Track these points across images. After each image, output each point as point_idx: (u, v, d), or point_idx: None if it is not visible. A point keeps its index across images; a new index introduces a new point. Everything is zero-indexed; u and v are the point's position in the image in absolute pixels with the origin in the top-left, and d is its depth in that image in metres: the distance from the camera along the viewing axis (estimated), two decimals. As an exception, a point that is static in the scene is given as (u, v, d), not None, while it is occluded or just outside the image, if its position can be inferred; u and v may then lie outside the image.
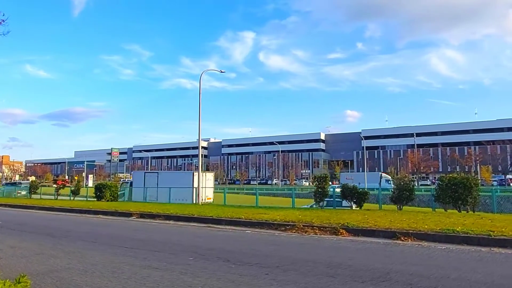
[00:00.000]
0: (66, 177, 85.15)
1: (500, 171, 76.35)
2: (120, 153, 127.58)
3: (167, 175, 31.43)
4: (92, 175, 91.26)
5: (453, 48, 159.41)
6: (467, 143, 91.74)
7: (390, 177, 55.33)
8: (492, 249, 7.45)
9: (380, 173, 62.42)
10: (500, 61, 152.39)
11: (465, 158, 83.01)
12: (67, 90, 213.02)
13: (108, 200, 24.08)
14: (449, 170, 79.49)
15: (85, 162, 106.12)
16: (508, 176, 66.50)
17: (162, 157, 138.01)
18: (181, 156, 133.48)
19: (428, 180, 75.85)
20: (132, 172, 36.70)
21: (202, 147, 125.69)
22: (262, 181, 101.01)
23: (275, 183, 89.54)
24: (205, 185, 24.30)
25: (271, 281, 4.95)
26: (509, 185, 58.78)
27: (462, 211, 13.90)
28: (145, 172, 29.93)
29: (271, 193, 46.87)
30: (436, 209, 15.88)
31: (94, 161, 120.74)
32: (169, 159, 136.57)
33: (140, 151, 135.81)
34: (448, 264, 6.16)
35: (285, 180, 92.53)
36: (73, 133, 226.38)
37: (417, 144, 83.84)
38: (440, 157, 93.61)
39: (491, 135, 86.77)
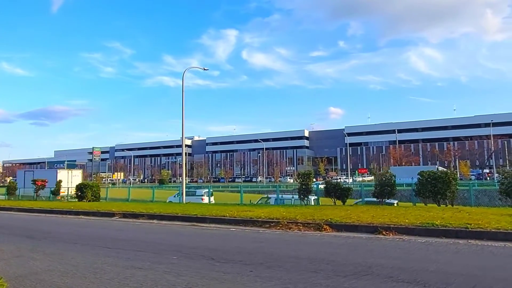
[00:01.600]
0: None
1: (477, 165, 78.74)
2: (102, 152, 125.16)
3: (38, 172, 38.48)
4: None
5: (432, 46, 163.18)
6: (446, 139, 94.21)
7: (446, 170, 49.53)
8: (469, 241, 7.70)
9: (436, 166, 53.55)
10: (476, 59, 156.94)
11: (445, 153, 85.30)
12: (46, 88, 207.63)
13: (89, 200, 23.65)
14: (429, 165, 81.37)
15: (66, 162, 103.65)
16: (485, 171, 68.71)
17: (145, 156, 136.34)
18: (164, 155, 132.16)
19: (410, 176, 77.31)
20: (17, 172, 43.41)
21: (186, 146, 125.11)
22: (247, 179, 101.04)
23: (260, 180, 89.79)
24: (72, 181, 25.32)
25: (255, 278, 4.98)
26: (486, 179, 60.72)
27: (441, 205, 14.28)
28: (24, 171, 38.37)
29: (256, 191, 47.01)
30: (416, 204, 16.28)
31: (75, 161, 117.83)
32: (153, 158, 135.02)
33: (122, 150, 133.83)
34: (427, 257, 6.33)
35: (270, 178, 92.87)
36: (53, 132, 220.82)
37: (398, 140, 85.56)
38: (420, 152, 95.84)
39: (469, 131, 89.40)
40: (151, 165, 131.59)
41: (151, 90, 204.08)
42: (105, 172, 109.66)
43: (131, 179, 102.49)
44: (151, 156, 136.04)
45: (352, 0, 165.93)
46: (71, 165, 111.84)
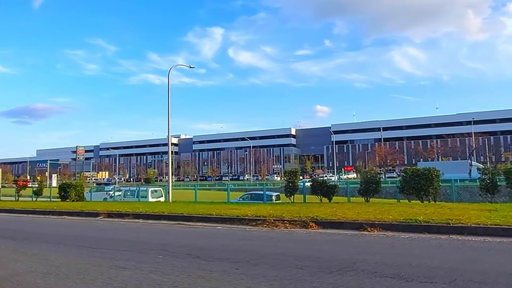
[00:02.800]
0: (28, 177, 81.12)
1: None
2: (86, 151, 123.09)
3: None
4: (56, 175, 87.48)
5: (415, 45, 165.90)
6: (430, 137, 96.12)
7: (482, 165, 44.59)
8: (450, 236, 7.89)
9: (469, 161, 52.61)
10: (457, 58, 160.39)
11: (428, 150, 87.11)
12: (28, 85, 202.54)
13: (73, 200, 23.22)
14: (413, 162, 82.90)
15: (48, 161, 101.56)
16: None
17: (131, 155, 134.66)
18: (151, 153, 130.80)
19: (394, 173, 78.80)
20: None
21: (173, 144, 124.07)
22: (234, 177, 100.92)
23: (247, 178, 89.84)
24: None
25: (241, 275, 4.99)
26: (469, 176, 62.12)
27: (424, 201, 14.58)
28: None
29: (243, 189, 47.01)
30: (400, 200, 16.57)
31: (58, 160, 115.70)
32: (138, 157, 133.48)
33: (107, 148, 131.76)
34: (410, 252, 6.47)
35: (257, 176, 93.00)
36: (35, 130, 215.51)
37: (383, 138, 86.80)
38: (405, 150, 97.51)
39: (451, 129, 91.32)
40: (136, 164, 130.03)
41: (136, 88, 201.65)
42: (89, 171, 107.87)
43: (116, 178, 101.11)
44: (137, 155, 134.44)
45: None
46: (54, 165, 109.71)
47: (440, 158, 77.27)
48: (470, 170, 41.78)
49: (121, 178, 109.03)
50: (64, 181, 29.72)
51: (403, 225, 8.98)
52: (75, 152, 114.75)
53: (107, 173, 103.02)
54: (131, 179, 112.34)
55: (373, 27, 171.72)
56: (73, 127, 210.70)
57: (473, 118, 77.06)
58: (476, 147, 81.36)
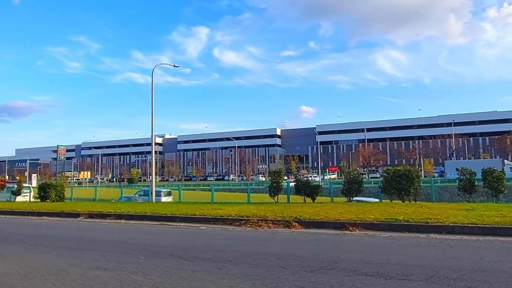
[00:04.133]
0: (6, 177, 78.79)
1: (440, 163, 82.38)
2: (68, 150, 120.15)
3: None
4: (36, 175, 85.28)
5: (398, 48, 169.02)
6: (412, 138, 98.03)
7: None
8: (429, 235, 8.08)
9: (501, 159, 51.76)
10: (438, 61, 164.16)
11: (410, 151, 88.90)
12: (7, 82, 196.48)
13: (53, 201, 22.68)
14: (396, 163, 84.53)
15: (28, 161, 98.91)
16: (447, 168, 72.13)
17: (113, 154, 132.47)
18: (134, 153, 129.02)
19: (378, 173, 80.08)
20: None
21: (157, 144, 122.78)
22: (219, 177, 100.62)
23: (232, 178, 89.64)
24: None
25: (223, 275, 5.00)
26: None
27: (405, 201, 14.87)
28: None
29: (228, 189, 46.94)
30: (383, 200, 16.87)
31: (38, 160, 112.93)
32: (122, 156, 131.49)
33: (89, 148, 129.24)
34: (389, 250, 6.61)
35: (242, 176, 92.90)
36: (15, 129, 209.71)
37: (367, 139, 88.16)
38: (388, 151, 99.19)
39: (432, 130, 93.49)
40: (120, 164, 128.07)
41: (119, 86, 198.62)
42: (70, 171, 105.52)
43: (98, 178, 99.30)
44: (120, 154, 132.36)
45: (324, 1, 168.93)
46: (34, 164, 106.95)
47: (422, 159, 78.87)
48: (503, 169, 42.39)
49: (103, 178, 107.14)
50: (44, 181, 28.98)
51: (384, 224, 9.16)
52: (55, 151, 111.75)
53: (89, 173, 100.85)
54: (114, 179, 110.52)
55: (358, 29, 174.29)
56: (54, 126, 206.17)
57: (453, 120, 79.05)
58: (456, 148, 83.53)
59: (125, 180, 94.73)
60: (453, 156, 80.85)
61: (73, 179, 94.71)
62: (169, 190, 28.23)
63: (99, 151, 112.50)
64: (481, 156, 78.72)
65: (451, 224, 8.53)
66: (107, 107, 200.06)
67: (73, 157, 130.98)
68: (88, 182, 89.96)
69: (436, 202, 16.67)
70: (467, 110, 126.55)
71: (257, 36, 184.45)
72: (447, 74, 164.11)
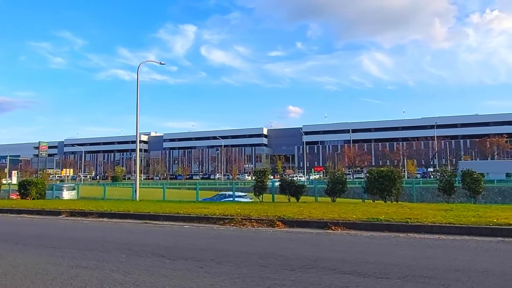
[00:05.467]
0: (-15, 173, 76.59)
1: (423, 164, 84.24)
2: (50, 147, 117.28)
3: None
4: (16, 171, 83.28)
5: (384, 51, 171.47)
6: (396, 139, 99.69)
7: None
8: (408, 234, 8.28)
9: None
10: (421, 65, 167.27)
11: (394, 153, 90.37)
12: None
13: (34, 198, 22.24)
14: (380, 164, 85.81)
15: (8, 157, 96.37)
16: (429, 169, 73.73)
17: (97, 152, 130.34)
18: (119, 151, 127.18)
19: (362, 174, 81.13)
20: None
21: (142, 141, 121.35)
22: (205, 176, 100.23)
23: (218, 177, 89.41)
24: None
25: (205, 273, 5.03)
26: (430, 177, 65.18)
27: (387, 201, 15.17)
28: None
29: (214, 188, 46.81)
30: (365, 200, 17.14)
31: (19, 156, 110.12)
32: (106, 154, 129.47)
33: (72, 145, 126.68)
34: (369, 249, 6.75)
35: (228, 175, 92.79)
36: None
37: (352, 140, 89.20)
38: (373, 152, 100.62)
39: (416, 132, 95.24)
40: (103, 161, 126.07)
41: (105, 83, 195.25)
42: (52, 169, 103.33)
43: (81, 175, 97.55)
44: (104, 152, 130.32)
45: (312, 2, 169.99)
46: (15, 161, 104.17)
47: (405, 160, 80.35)
48: None
49: (86, 176, 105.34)
50: (25, 178, 28.33)
51: (366, 224, 9.33)
52: (37, 148, 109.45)
53: (71, 170, 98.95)
54: (98, 176, 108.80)
55: (345, 31, 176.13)
56: (37, 123, 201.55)
57: (436, 123, 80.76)
58: (439, 150, 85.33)
59: (109, 178, 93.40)
60: (435, 158, 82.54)
61: (55, 176, 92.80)
62: (73, 185, 27.83)
63: (83, 148, 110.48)
64: (462, 158, 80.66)
65: (430, 224, 8.76)
66: (92, 104, 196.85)
67: (55, 154, 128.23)
68: (71, 179, 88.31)
69: (418, 202, 17.04)
70: (450, 113, 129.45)
71: (245, 36, 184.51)
72: (431, 77, 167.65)
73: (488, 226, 8.25)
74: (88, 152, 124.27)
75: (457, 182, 15.99)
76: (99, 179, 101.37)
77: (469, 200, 15.85)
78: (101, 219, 12.68)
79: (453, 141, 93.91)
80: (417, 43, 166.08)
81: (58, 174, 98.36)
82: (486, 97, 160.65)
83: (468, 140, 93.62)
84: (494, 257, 5.99)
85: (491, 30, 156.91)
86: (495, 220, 8.65)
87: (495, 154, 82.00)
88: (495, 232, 7.99)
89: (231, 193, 22.85)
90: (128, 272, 5.14)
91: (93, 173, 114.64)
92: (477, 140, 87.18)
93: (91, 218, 13.10)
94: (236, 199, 21.63)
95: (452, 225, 8.60)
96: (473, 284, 4.35)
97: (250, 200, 19.91)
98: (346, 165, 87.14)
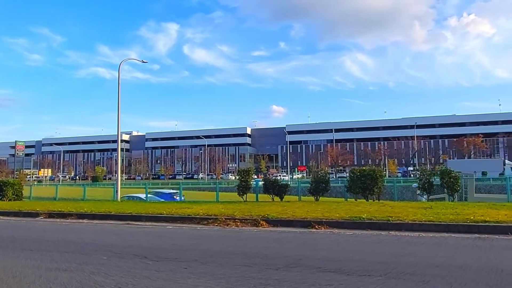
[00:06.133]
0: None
1: (403, 163, 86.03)
2: (27, 146, 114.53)
3: None
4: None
5: (365, 52, 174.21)
6: (378, 139, 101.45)
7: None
8: (390, 232, 8.45)
9: (502, 159, 51.85)
10: (401, 66, 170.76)
11: (376, 152, 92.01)
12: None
13: (10, 200, 21.52)
14: (362, 163, 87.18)
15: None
16: (410, 168, 75.44)
17: (77, 151, 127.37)
18: (99, 150, 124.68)
19: (345, 173, 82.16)
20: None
21: (124, 141, 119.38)
22: (188, 176, 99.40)
23: (202, 177, 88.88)
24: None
25: (189, 274, 4.98)
26: (411, 176, 66.65)
27: (369, 200, 15.41)
28: None
29: (197, 188, 46.41)
30: (348, 199, 17.36)
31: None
32: (86, 153, 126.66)
33: (51, 144, 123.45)
34: (352, 248, 6.85)
35: (212, 174, 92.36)
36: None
37: (335, 139, 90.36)
38: (355, 151, 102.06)
39: (396, 132, 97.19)
40: (83, 161, 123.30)
41: (84, 81, 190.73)
42: (29, 169, 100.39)
43: (60, 176, 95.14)
44: (84, 151, 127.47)
45: (296, 2, 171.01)
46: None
47: (386, 159, 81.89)
48: (504, 169, 42.29)
49: (65, 176, 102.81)
50: (1, 179, 27.38)
51: (349, 222, 9.45)
52: (13, 147, 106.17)
53: (49, 170, 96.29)
54: (77, 177, 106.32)
55: (328, 32, 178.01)
56: (13, 121, 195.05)
57: (415, 123, 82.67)
58: (418, 149, 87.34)
59: (89, 178, 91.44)
60: (415, 157, 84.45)
61: (32, 177, 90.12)
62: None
63: (61, 148, 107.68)
64: (440, 157, 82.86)
65: (410, 222, 8.95)
66: (71, 102, 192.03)
67: (33, 154, 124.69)
68: (49, 180, 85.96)
69: (398, 201, 17.38)
70: (428, 113, 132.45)
71: (229, 35, 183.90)
72: (410, 79, 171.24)
73: (465, 223, 8.51)
74: (67, 151, 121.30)
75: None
76: (79, 179, 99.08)
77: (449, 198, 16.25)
78: (81, 221, 12.40)
79: (432, 140, 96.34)
80: (397, 45, 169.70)
81: (36, 174, 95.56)
82: (463, 99, 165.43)
83: (446, 140, 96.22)
84: (471, 253, 6.17)
85: (467, 34, 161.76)
86: (472, 217, 8.93)
87: (471, 153, 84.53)
88: (472, 229, 8.25)
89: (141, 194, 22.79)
90: (109, 274, 5.04)
91: (73, 173, 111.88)
92: (454, 139, 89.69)
93: (71, 219, 12.79)
94: (156, 197, 21.40)
95: (432, 222, 8.82)
96: (451, 280, 4.46)
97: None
98: (329, 164, 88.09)
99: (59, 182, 78.68)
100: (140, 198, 21.77)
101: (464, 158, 76.30)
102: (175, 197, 22.16)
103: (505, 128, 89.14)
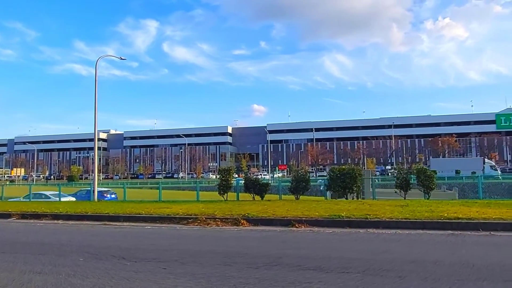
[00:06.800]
0: None
1: (381, 162, 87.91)
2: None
3: None
4: (-40, 171, 76.82)
5: (345, 52, 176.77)
6: (357, 138, 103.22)
7: (494, 163, 46.28)
8: (368, 230, 8.62)
9: (482, 158, 52.71)
10: (379, 67, 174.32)
11: (355, 151, 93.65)
12: None
13: (-19, 200, 20.69)
14: (342, 162, 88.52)
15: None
16: (387, 167, 77.20)
17: (52, 150, 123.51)
18: (75, 149, 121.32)
19: (325, 172, 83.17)
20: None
21: (101, 139, 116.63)
22: (168, 175, 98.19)
23: (182, 176, 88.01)
24: None
25: (168, 275, 4.93)
26: (388, 174, 68.21)
27: (349, 198, 15.68)
28: None
29: (177, 187, 45.98)
30: (328, 198, 17.61)
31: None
32: (61, 152, 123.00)
33: (24, 143, 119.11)
34: (331, 245, 6.95)
35: (192, 174, 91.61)
36: None
37: (315, 139, 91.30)
38: (335, 150, 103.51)
39: (375, 131, 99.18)
40: (58, 160, 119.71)
41: (60, 78, 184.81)
42: (1, 168, 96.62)
43: (34, 175, 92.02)
44: (59, 150, 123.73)
45: (277, 2, 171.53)
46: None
47: (365, 158, 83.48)
48: (484, 168, 43.29)
49: (39, 176, 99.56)
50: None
51: (328, 220, 9.59)
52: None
53: (22, 170, 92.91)
54: (52, 176, 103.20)
55: (309, 32, 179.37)
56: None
57: (393, 123, 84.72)
58: (396, 148, 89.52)
59: (65, 178, 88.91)
60: (393, 156, 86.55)
61: (4, 176, 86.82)
62: None
63: (35, 146, 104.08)
64: (417, 157, 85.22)
65: (387, 220, 9.17)
66: (46, 99, 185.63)
67: (5, 153, 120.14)
68: (22, 179, 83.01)
69: (376, 199, 17.74)
70: (405, 113, 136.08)
71: (209, 34, 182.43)
72: (388, 79, 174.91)
73: (439, 221, 8.79)
74: (42, 150, 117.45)
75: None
76: (54, 179, 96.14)
77: (422, 196, 16.71)
78: (56, 221, 12.05)
79: (408, 140, 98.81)
80: (376, 46, 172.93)
81: (8, 174, 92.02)
82: (437, 99, 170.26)
83: (422, 140, 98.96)
84: (445, 249, 6.38)
85: (442, 37, 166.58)
86: (445, 215, 9.23)
87: (445, 152, 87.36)
88: (445, 225, 8.53)
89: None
90: (86, 276, 4.92)
91: (47, 173, 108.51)
92: (430, 139, 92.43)
93: (45, 220, 12.40)
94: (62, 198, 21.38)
95: (408, 220, 9.06)
96: (426, 274, 4.60)
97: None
98: (309, 163, 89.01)
99: (33, 182, 76.09)
100: (47, 196, 22.07)
101: (439, 157, 78.70)
102: (105, 195, 22.98)
103: (477, 128, 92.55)
